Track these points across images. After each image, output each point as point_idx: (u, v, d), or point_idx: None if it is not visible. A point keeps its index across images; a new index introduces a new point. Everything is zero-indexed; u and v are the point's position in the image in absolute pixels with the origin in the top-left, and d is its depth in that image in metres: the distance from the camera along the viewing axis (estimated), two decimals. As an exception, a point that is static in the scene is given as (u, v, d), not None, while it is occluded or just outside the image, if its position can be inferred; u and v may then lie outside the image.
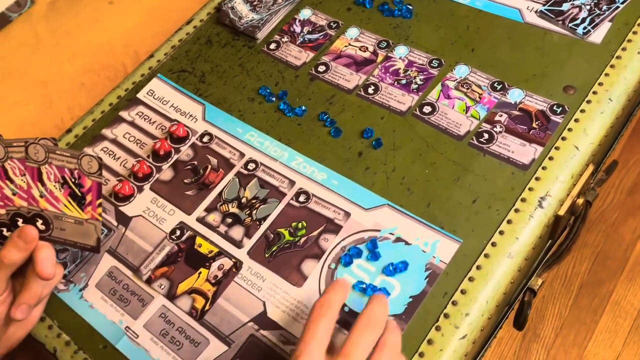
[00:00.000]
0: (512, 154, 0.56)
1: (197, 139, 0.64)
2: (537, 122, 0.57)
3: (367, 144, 0.60)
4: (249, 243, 0.55)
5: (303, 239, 0.54)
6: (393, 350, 0.42)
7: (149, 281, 0.55)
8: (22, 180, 0.47)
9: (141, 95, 0.69)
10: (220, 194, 0.59)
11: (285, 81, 0.67)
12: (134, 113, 0.68)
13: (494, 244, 0.51)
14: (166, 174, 0.62)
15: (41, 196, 0.47)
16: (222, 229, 0.57)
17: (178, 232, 0.57)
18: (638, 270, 1.20)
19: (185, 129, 0.64)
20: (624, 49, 0.60)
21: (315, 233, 0.55)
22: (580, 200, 0.57)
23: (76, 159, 0.46)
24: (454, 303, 0.48)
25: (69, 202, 0.47)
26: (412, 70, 0.64)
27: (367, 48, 0.67)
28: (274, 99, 0.65)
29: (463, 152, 0.57)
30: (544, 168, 0.54)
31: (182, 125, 0.64)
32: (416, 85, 0.63)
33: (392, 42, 0.67)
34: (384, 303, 0.44)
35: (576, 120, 0.56)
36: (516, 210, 0.52)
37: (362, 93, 0.63)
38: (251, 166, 0.60)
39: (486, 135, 0.57)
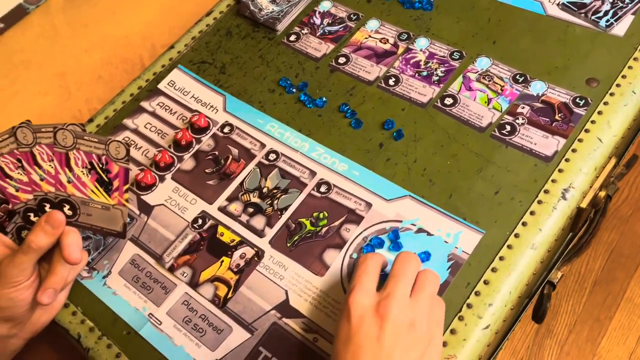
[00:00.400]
0: (534, 145, 0.56)
1: (218, 130, 0.64)
2: (559, 115, 0.57)
3: (388, 135, 0.60)
4: (270, 232, 0.56)
5: (324, 229, 0.55)
6: (432, 285, 0.45)
7: (171, 269, 0.55)
8: (50, 165, 0.48)
9: (162, 86, 0.70)
10: (241, 183, 0.59)
11: (305, 73, 0.67)
12: (154, 103, 0.68)
13: (517, 235, 0.51)
14: (187, 163, 0.62)
15: (69, 182, 0.48)
16: (244, 218, 0.57)
17: (200, 221, 0.58)
18: (653, 268, 1.20)
19: (206, 119, 0.64)
20: (647, 42, 0.60)
21: (336, 223, 0.55)
22: (602, 193, 0.56)
23: (104, 144, 0.47)
24: (477, 293, 0.49)
25: (96, 187, 0.48)
26: (433, 62, 0.64)
27: (387, 40, 0.67)
28: (294, 90, 0.66)
29: (485, 143, 0.57)
30: (567, 160, 0.54)
31: (203, 115, 0.64)
32: (437, 77, 0.63)
33: (412, 34, 0.67)
34: (413, 254, 0.48)
35: (599, 113, 0.56)
36: (539, 202, 0.52)
37: (383, 85, 0.63)
38: (272, 157, 0.61)
39: (508, 127, 0.57)
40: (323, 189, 0.57)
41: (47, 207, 0.49)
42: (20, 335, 0.52)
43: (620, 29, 0.61)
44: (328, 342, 0.49)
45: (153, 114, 0.67)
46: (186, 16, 0.89)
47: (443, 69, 0.63)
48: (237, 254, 0.55)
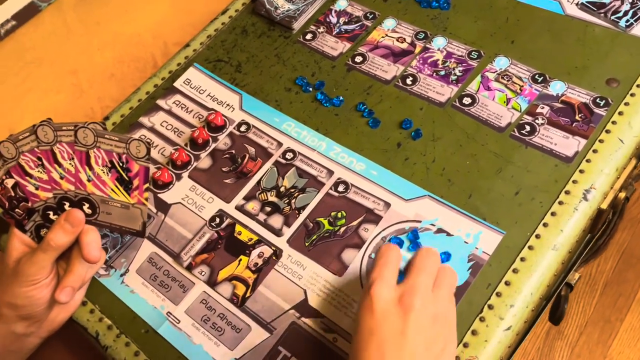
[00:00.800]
0: (554, 146, 0.55)
1: (234, 128, 0.64)
2: (580, 115, 0.57)
3: (406, 135, 0.59)
4: (288, 232, 0.55)
5: (343, 229, 0.54)
6: (449, 279, 0.45)
7: (189, 267, 0.55)
8: (70, 164, 0.48)
9: (178, 84, 0.69)
10: (258, 182, 0.59)
11: (321, 71, 0.67)
12: (171, 102, 0.68)
13: (538, 236, 0.50)
14: (204, 162, 0.62)
15: (88, 180, 0.48)
16: (262, 217, 0.57)
17: (217, 220, 0.57)
18: (665, 269, 1.19)
19: (223, 117, 0.64)
20: (668, 42, 0.59)
21: (355, 223, 0.55)
22: (622, 194, 0.56)
23: (125, 143, 0.46)
24: (498, 294, 0.48)
25: (116, 186, 0.48)
26: (450, 62, 0.63)
27: (404, 39, 0.67)
28: (310, 89, 0.65)
29: (504, 143, 0.56)
30: (588, 161, 0.53)
31: (220, 114, 0.64)
32: (455, 77, 0.62)
33: (430, 34, 0.66)
34: (434, 250, 0.47)
35: (620, 113, 0.56)
36: (560, 203, 0.52)
37: (400, 84, 0.63)
38: (289, 155, 0.60)
39: (528, 127, 0.57)
40: (341, 188, 0.57)
41: (67, 206, 0.48)
42: (37, 333, 0.52)
43: (640, 29, 0.61)
44: (347, 342, 0.49)
45: (169, 112, 0.67)
46: (198, 14, 0.88)
47: (461, 68, 0.63)
48: (255, 253, 0.55)
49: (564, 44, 0.62)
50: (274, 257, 0.54)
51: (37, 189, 0.49)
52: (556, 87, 0.59)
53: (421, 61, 0.64)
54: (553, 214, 0.51)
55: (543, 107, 0.58)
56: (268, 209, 0.57)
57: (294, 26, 0.71)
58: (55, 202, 0.49)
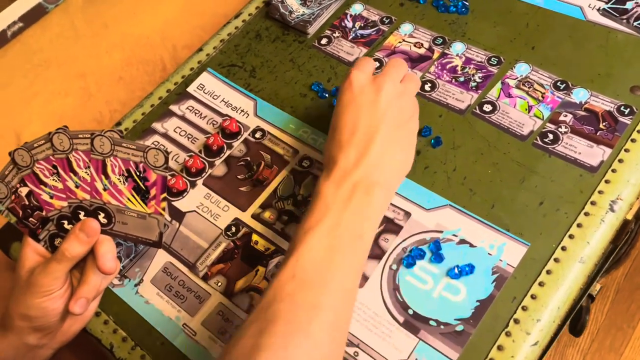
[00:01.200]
0: (579, 155, 0.54)
1: (249, 135, 0.63)
2: (604, 123, 0.55)
3: (425, 143, 0.58)
4: (306, 241, 0.54)
5: (362, 239, 0.53)
6: (415, 80, 0.55)
7: (205, 278, 0.54)
8: (85, 172, 0.46)
9: (191, 89, 0.68)
10: (275, 191, 0.58)
11: (337, 77, 0.65)
12: (184, 107, 0.67)
13: (564, 248, 0.49)
14: (219, 169, 0.61)
15: (104, 189, 0.47)
16: (278, 226, 0.56)
17: (233, 229, 0.56)
18: (677, 276, 1.18)
19: (237, 124, 0.63)
20: (693, 49, 0.58)
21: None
22: (647, 205, 0.55)
23: (142, 152, 0.45)
24: (524, 308, 0.47)
25: (133, 195, 0.46)
26: (470, 68, 0.62)
27: (422, 44, 0.65)
28: (327, 95, 0.64)
29: (527, 152, 0.55)
30: (613, 171, 0.52)
31: (234, 120, 0.63)
32: (475, 83, 0.61)
33: (448, 39, 0.65)
34: (402, 60, 0.56)
35: (646, 122, 0.55)
36: (586, 214, 0.50)
37: (419, 90, 0.62)
38: (306, 163, 0.59)
39: (551, 136, 0.56)
40: (359, 197, 0.56)
41: (82, 215, 0.47)
42: (49, 345, 0.51)
43: (664, 35, 0.60)
44: (369, 356, 0.48)
45: (182, 118, 0.66)
46: (208, 16, 0.87)
47: (481, 74, 0.62)
48: (272, 263, 0.53)
49: (586, 51, 0.61)
50: (292, 268, 0.53)
51: (51, 197, 0.47)
52: (579, 95, 0.58)
53: (440, 67, 0.63)
54: (579, 225, 0.50)
55: (566, 115, 0.57)
56: (285, 217, 0.56)
57: (308, 31, 0.69)
58: (70, 211, 0.48)
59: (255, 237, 0.55)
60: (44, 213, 0.48)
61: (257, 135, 0.63)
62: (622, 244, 0.62)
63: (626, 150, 0.53)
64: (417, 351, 0.47)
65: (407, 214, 0.54)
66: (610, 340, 1.12)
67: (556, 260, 0.49)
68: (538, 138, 0.56)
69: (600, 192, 0.51)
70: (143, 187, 0.46)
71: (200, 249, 0.56)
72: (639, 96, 0.56)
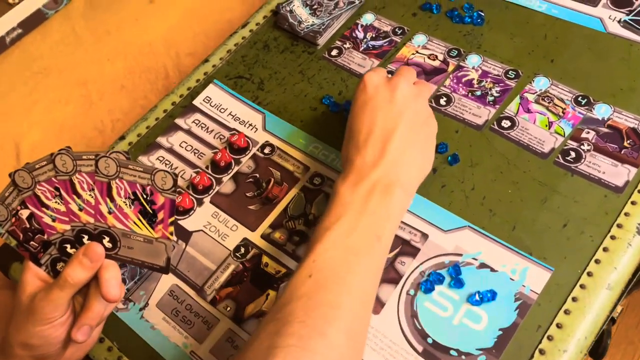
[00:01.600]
0: (602, 174, 0.52)
1: (258, 150, 0.60)
2: (628, 141, 0.53)
3: (441, 160, 0.56)
4: (318, 264, 0.52)
5: (378, 261, 0.51)
6: (428, 84, 0.55)
7: (213, 302, 0.51)
8: (90, 195, 0.44)
9: (197, 102, 0.66)
10: (285, 209, 0.56)
11: (349, 90, 0.63)
12: (190, 121, 0.65)
13: (590, 274, 0.47)
14: (227, 186, 0.59)
15: (109, 212, 0.44)
16: (290, 247, 0.53)
17: (242, 250, 0.54)
18: (689, 289, 1.15)
19: (246, 139, 0.61)
20: None
21: (390, 255, 0.51)
22: (673, 225, 0.53)
23: (150, 174, 0.43)
24: (550, 338, 0.45)
25: (139, 219, 0.44)
26: (487, 81, 0.60)
27: (436, 56, 0.63)
28: (338, 108, 0.62)
29: (548, 171, 0.53)
30: (640, 191, 0.50)
31: (243, 135, 0.61)
32: (492, 98, 0.59)
33: (463, 51, 0.63)
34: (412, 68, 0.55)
35: (672, 140, 0.52)
36: (612, 237, 0.48)
37: (434, 104, 0.60)
38: (317, 180, 0.57)
39: (573, 154, 0.54)
40: (374, 217, 0.54)
41: (86, 239, 0.45)
42: (51, 372, 0.49)
43: (688, 48, 0.58)
44: (386, 388, 0.45)
45: (188, 132, 0.64)
46: (211, 23, 0.85)
47: (498, 88, 0.59)
48: (284, 286, 0.51)
49: (608, 64, 0.58)
50: (304, 292, 0.51)
51: (54, 220, 0.45)
52: (601, 111, 0.56)
53: (455, 80, 0.61)
54: (605, 249, 0.48)
55: (588, 132, 0.55)
56: (296, 238, 0.54)
57: (318, 41, 0.67)
58: (74, 235, 0.45)
59: (265, 258, 0.53)
60: (45, 236, 0.46)
61: (266, 150, 0.60)
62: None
63: (652, 170, 0.51)
64: (437, 383, 0.45)
65: (424, 236, 0.52)
66: (621, 354, 1.10)
67: (582, 286, 0.47)
68: (560, 156, 0.54)
69: (626, 214, 0.49)
70: (150, 210, 0.44)
71: (208, 271, 0.53)
72: (663, 112, 0.54)
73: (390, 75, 0.54)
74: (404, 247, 0.51)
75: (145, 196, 0.43)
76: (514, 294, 0.47)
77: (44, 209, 0.45)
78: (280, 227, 0.55)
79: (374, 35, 0.67)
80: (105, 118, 0.79)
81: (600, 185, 0.51)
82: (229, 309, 0.51)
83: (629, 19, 0.61)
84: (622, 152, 0.53)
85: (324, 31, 0.67)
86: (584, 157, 0.53)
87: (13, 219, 0.46)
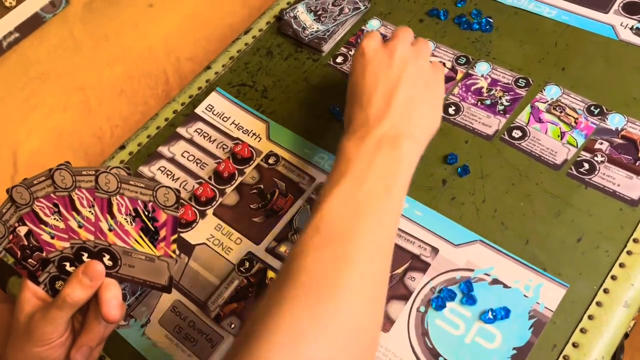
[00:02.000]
0: (617, 187, 0.50)
1: (262, 160, 0.59)
2: (643, 152, 0.52)
3: (451, 171, 0.55)
4: (325, 279, 0.50)
5: (387, 277, 0.50)
6: (425, 42, 0.54)
7: (217, 319, 0.50)
8: (89, 211, 0.43)
9: (199, 110, 0.64)
10: (290, 222, 0.54)
11: (355, 98, 0.62)
12: (192, 130, 0.63)
13: (606, 291, 0.46)
14: (230, 197, 0.57)
15: (110, 229, 0.43)
16: (295, 262, 0.52)
17: (247, 264, 0.52)
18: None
19: (249, 148, 0.59)
20: None
21: (399, 270, 0.50)
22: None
23: (151, 190, 0.42)
24: (566, 358, 0.43)
25: (141, 237, 0.43)
26: (496, 90, 0.59)
27: (444, 64, 0.62)
28: (344, 118, 0.60)
29: (561, 183, 0.52)
30: (656, 205, 0.49)
31: (246, 145, 0.59)
32: (502, 107, 0.57)
33: (472, 58, 0.61)
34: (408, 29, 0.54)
35: (688, 151, 0.51)
36: (629, 253, 0.47)
37: (442, 114, 0.58)
38: (323, 192, 0.56)
39: (586, 165, 0.52)
40: (382, 230, 0.52)
41: (85, 257, 0.44)
42: (49, 394, 0.47)
43: (703, 56, 0.56)
44: (397, 410, 0.44)
45: (190, 141, 0.62)
46: (212, 27, 0.84)
47: (508, 97, 0.58)
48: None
49: (620, 73, 0.57)
50: (311, 309, 0.49)
51: (52, 237, 0.44)
52: (614, 121, 0.54)
53: (464, 89, 0.60)
54: (622, 265, 0.47)
55: (602, 143, 0.53)
56: (302, 252, 0.52)
57: (323, 48, 0.66)
58: (73, 253, 0.44)
59: (270, 273, 0.52)
60: (44, 254, 0.44)
61: (271, 161, 0.59)
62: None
63: (669, 182, 0.50)
64: (450, 404, 0.43)
65: (435, 250, 0.50)
66: (628, 360, 1.09)
67: (598, 304, 0.45)
68: (573, 167, 0.52)
69: (643, 228, 0.48)
70: (152, 227, 0.42)
71: (212, 287, 0.52)
72: (679, 122, 0.53)
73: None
74: (414, 262, 0.50)
75: (147, 213, 0.42)
76: (528, 311, 0.46)
77: (42, 225, 0.43)
78: (286, 241, 0.53)
79: (379, 42, 0.65)
80: (104, 124, 0.78)
81: (615, 198, 0.50)
82: (233, 326, 0.49)
83: (641, 26, 0.59)
84: (637, 163, 0.51)
85: (329, 38, 0.66)
86: (597, 168, 0.52)
87: (10, 236, 0.44)
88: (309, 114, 0.62)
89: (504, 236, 0.50)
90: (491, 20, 0.63)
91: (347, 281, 0.38)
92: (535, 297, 0.46)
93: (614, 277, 0.46)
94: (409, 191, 0.54)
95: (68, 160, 0.75)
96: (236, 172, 0.58)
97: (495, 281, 0.48)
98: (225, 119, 0.63)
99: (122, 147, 0.64)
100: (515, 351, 0.44)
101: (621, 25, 0.60)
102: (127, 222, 0.42)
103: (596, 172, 0.52)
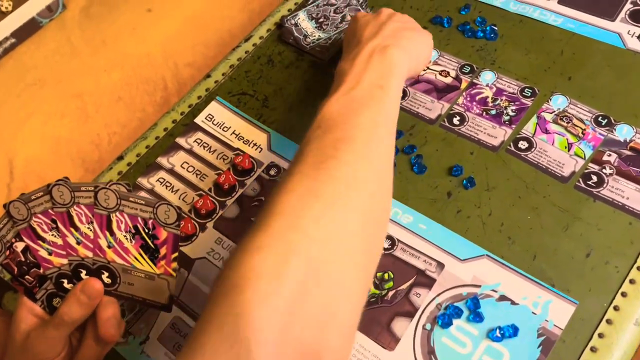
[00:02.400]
0: (626, 200, 0.49)
1: (263, 172, 0.58)
2: (653, 164, 0.51)
3: (456, 183, 0.54)
4: (329, 294, 0.49)
5: (391, 293, 0.49)
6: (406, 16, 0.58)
7: (218, 336, 0.49)
8: (88, 228, 0.42)
9: (199, 120, 0.63)
10: (292, 235, 0.53)
11: (357, 108, 0.61)
12: (191, 140, 0.62)
13: (616, 308, 0.45)
14: (231, 210, 0.56)
15: (109, 247, 0.42)
16: (298, 276, 0.51)
17: (248, 279, 0.51)
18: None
19: (250, 159, 0.58)
20: None
21: (404, 286, 0.49)
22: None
23: (152, 207, 0.40)
24: (576, 377, 0.42)
25: (140, 254, 0.42)
26: (502, 100, 0.58)
27: (448, 73, 0.61)
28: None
29: (569, 196, 0.51)
30: (666, 219, 0.48)
31: (247, 156, 0.58)
32: (508, 117, 0.57)
33: (476, 67, 0.61)
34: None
35: (698, 163, 0.50)
36: (639, 268, 0.46)
37: (447, 124, 0.57)
38: (326, 204, 0.54)
39: (595, 178, 0.51)
40: (386, 244, 0.51)
41: (83, 274, 0.43)
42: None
43: None
44: None
45: (190, 152, 0.61)
46: (211, 32, 0.83)
47: (514, 107, 0.57)
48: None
49: (628, 82, 0.56)
50: (314, 325, 0.48)
51: (50, 254, 0.43)
52: (623, 132, 0.53)
53: (468, 98, 0.59)
54: (632, 281, 0.46)
55: (610, 155, 0.52)
56: (305, 267, 0.51)
57: (325, 56, 0.65)
58: (71, 270, 0.43)
59: (272, 289, 0.51)
60: (41, 271, 0.43)
61: (272, 172, 0.58)
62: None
63: (679, 196, 0.49)
64: None
65: (440, 265, 0.49)
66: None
67: (608, 321, 0.44)
68: (581, 180, 0.51)
69: (653, 243, 0.47)
70: (152, 245, 0.41)
71: (213, 302, 0.51)
72: (688, 134, 0.52)
73: None
74: (419, 278, 0.49)
75: (147, 230, 0.41)
76: (536, 329, 0.45)
77: (39, 241, 0.42)
78: (288, 255, 0.52)
79: (382, 50, 0.64)
80: (101, 131, 0.76)
81: (624, 211, 0.49)
82: (235, 343, 0.48)
83: (648, 35, 0.58)
84: (646, 176, 0.50)
85: (331, 46, 0.65)
86: (606, 181, 0.51)
87: (7, 252, 0.43)
88: (311, 123, 0.60)
89: (511, 251, 0.49)
90: (496, 28, 0.63)
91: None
92: (543, 314, 0.45)
93: (624, 294, 0.45)
94: (413, 203, 0.53)
95: (66, 167, 0.74)
96: (237, 183, 0.57)
97: (503, 297, 0.47)
98: (225, 129, 0.62)
99: (121, 158, 0.63)
100: (523, 370, 0.43)
101: (628, 33, 0.59)
102: (126, 239, 0.41)
103: (604, 185, 0.51)
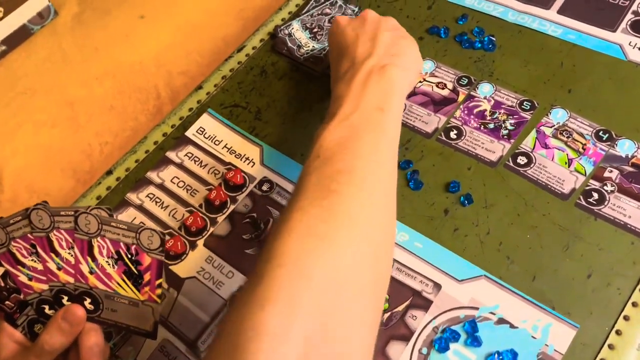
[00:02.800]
0: (628, 219, 0.48)
1: (255, 187, 0.56)
2: (655, 181, 0.49)
3: (454, 200, 0.52)
4: (322, 316, 0.48)
5: (386, 315, 0.47)
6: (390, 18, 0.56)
7: (207, 360, 0.47)
8: (69, 253, 0.40)
9: (190, 133, 0.62)
10: (285, 254, 0.52)
11: (352, 120, 0.59)
12: (182, 154, 0.60)
13: (618, 332, 0.43)
14: (222, 227, 0.54)
15: (91, 272, 0.40)
16: (290, 298, 0.49)
17: (239, 300, 0.50)
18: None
19: (242, 175, 0.56)
20: None
21: (400, 308, 0.47)
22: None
23: (134, 232, 0.39)
24: (578, 406, 0.41)
25: (123, 280, 0.40)
26: (500, 113, 0.56)
27: (445, 85, 0.59)
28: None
29: (569, 214, 0.49)
30: (670, 239, 0.46)
31: (239, 171, 0.56)
32: (506, 131, 0.55)
33: (474, 79, 0.59)
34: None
35: (703, 181, 0.49)
36: (642, 291, 0.44)
37: (444, 138, 0.56)
38: (319, 221, 0.53)
39: (596, 195, 0.50)
40: (381, 264, 0.50)
41: (65, 300, 0.41)
42: None
43: None
44: None
45: (181, 167, 0.59)
46: (205, 40, 0.81)
47: (512, 121, 0.55)
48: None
49: (630, 95, 0.55)
50: (306, 349, 0.46)
51: (30, 279, 0.41)
52: (624, 147, 0.52)
53: (466, 111, 0.57)
54: (634, 304, 0.44)
55: (611, 171, 0.51)
56: (297, 287, 0.50)
57: (319, 67, 0.63)
58: (52, 295, 0.41)
59: (264, 310, 0.49)
60: (22, 296, 0.41)
61: (264, 187, 0.56)
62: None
63: (683, 214, 0.47)
64: None
65: (437, 286, 0.48)
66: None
67: (610, 346, 0.43)
68: (581, 197, 0.50)
69: (656, 264, 0.45)
70: (135, 271, 0.40)
71: (201, 324, 0.49)
72: (692, 149, 0.51)
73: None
74: (415, 299, 0.47)
75: (130, 256, 0.39)
76: (536, 354, 0.43)
77: (19, 267, 0.41)
78: (280, 275, 0.51)
79: (378, 61, 0.63)
80: (93, 141, 0.75)
81: (626, 230, 0.47)
82: (224, 368, 0.47)
83: (650, 46, 0.57)
84: (649, 193, 0.49)
85: (325, 57, 0.63)
86: (607, 199, 0.49)
87: (-14, 277, 0.41)
88: (305, 137, 0.59)
89: (509, 271, 0.47)
90: (494, 39, 0.61)
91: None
92: (543, 338, 0.44)
93: (626, 318, 0.44)
94: (408, 221, 0.52)
95: (56, 178, 0.72)
96: (228, 199, 0.56)
97: (501, 320, 0.45)
98: (217, 143, 0.60)
99: (109, 173, 0.62)
100: (523, 398, 0.42)
101: (629, 44, 0.58)
102: (109, 264, 0.40)
103: (606, 203, 0.49)
